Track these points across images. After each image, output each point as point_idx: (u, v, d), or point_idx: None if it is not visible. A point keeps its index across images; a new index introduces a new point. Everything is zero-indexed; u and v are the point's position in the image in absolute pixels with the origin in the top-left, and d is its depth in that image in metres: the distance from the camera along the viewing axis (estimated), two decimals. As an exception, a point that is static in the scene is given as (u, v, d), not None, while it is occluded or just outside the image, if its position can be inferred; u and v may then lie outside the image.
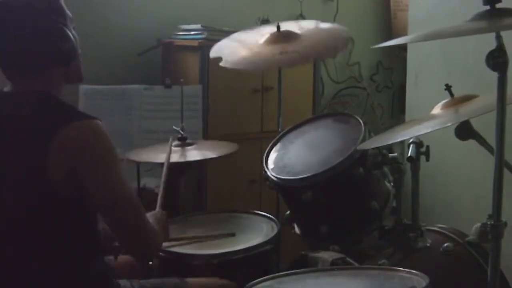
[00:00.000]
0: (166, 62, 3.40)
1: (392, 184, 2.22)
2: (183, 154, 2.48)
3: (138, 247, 1.76)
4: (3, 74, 1.73)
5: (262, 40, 2.54)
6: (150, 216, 1.88)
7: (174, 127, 2.56)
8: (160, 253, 2.08)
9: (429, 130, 1.72)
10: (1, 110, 1.72)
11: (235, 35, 2.70)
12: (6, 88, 1.74)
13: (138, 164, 2.68)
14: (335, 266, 1.95)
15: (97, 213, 1.73)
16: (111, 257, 1.92)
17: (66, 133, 1.60)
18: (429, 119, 1.86)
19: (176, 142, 2.54)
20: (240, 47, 2.60)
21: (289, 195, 2.26)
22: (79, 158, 1.61)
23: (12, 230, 1.65)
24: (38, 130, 1.62)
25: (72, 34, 1.72)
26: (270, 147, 2.36)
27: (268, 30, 2.59)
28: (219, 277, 2.00)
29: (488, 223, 1.45)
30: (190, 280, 1.93)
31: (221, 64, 2.48)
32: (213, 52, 2.59)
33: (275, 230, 2.23)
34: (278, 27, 2.54)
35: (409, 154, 2.05)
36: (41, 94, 1.69)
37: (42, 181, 1.60)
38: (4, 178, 1.65)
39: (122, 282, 1.81)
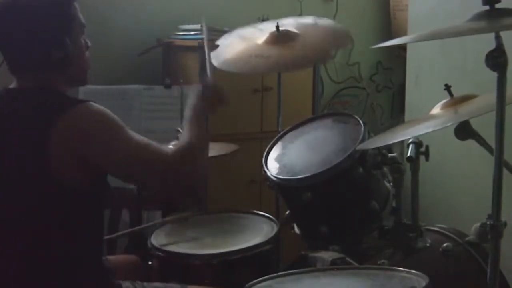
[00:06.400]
0: (166, 62, 3.40)
1: (392, 184, 2.22)
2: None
3: (168, 185, 1.72)
4: (8, 69, 1.75)
5: (260, 40, 2.54)
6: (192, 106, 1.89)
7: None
8: (160, 253, 2.09)
9: (429, 130, 1.72)
10: (4, 107, 1.73)
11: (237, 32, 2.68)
12: (11, 85, 1.76)
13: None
14: (335, 266, 1.95)
15: (101, 212, 1.74)
16: (110, 257, 1.92)
17: (65, 122, 1.60)
18: (428, 119, 1.86)
19: (176, 142, 2.53)
20: (237, 44, 2.59)
21: (289, 195, 2.26)
22: (87, 144, 1.62)
23: (11, 228, 1.65)
24: (37, 124, 1.62)
25: (71, 41, 1.71)
26: (270, 147, 2.36)
27: (268, 28, 2.58)
28: (218, 277, 2.00)
29: (488, 223, 1.45)
30: (191, 287, 1.92)
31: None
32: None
33: (275, 230, 2.23)
34: (277, 27, 2.54)
35: (408, 154, 2.05)
36: (41, 90, 1.70)
37: (44, 178, 1.60)
38: (7, 175, 1.65)
39: (124, 283, 1.81)
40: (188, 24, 3.29)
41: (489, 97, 1.53)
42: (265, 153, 2.32)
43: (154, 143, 1.71)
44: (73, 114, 1.63)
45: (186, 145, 1.75)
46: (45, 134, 1.59)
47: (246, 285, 1.69)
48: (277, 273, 1.80)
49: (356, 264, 2.00)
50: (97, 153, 1.65)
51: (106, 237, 2.07)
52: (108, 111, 1.69)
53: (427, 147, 2.08)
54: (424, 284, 1.54)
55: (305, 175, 2.12)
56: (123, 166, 1.68)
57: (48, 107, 1.65)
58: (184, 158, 1.70)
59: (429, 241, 2.09)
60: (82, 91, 2.85)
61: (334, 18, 3.94)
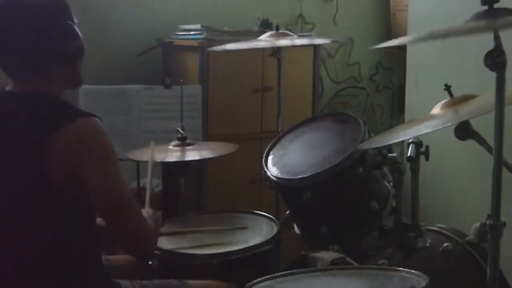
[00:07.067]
0: (166, 62, 3.40)
1: (391, 184, 2.22)
2: (182, 154, 2.49)
3: (139, 248, 1.74)
4: (5, 72, 1.72)
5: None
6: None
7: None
8: (160, 253, 2.09)
9: (429, 130, 1.72)
10: (3, 108, 1.71)
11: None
12: (8, 88, 1.73)
13: (138, 164, 2.68)
14: (335, 266, 1.95)
15: (96, 212, 1.73)
16: (110, 257, 1.92)
17: (66, 133, 1.59)
18: (428, 119, 1.86)
19: (176, 142, 2.54)
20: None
21: (289, 195, 2.26)
22: (80, 159, 1.60)
23: (11, 229, 1.65)
24: (37, 129, 1.61)
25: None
26: (270, 147, 2.36)
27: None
28: (219, 277, 2.00)
29: (487, 222, 1.45)
30: (191, 282, 1.93)
31: None
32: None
33: (275, 230, 2.23)
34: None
35: (408, 154, 2.05)
36: (41, 93, 1.68)
37: (41, 181, 1.59)
38: (4, 177, 1.65)
39: (123, 282, 1.81)
40: (188, 24, 3.29)
41: (489, 97, 1.53)
42: (265, 153, 2.32)
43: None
44: (77, 125, 1.61)
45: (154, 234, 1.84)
46: (45, 142, 1.58)
47: (246, 285, 1.69)
48: (277, 273, 1.80)
49: (356, 264, 2.00)
50: (90, 167, 1.61)
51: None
52: (107, 136, 1.67)
53: (427, 147, 2.08)
54: (424, 284, 1.54)
55: (305, 175, 2.12)
56: (105, 191, 1.64)
57: (50, 114, 1.64)
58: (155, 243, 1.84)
59: (429, 241, 2.09)
60: (83, 91, 2.86)
61: (334, 18, 3.95)
